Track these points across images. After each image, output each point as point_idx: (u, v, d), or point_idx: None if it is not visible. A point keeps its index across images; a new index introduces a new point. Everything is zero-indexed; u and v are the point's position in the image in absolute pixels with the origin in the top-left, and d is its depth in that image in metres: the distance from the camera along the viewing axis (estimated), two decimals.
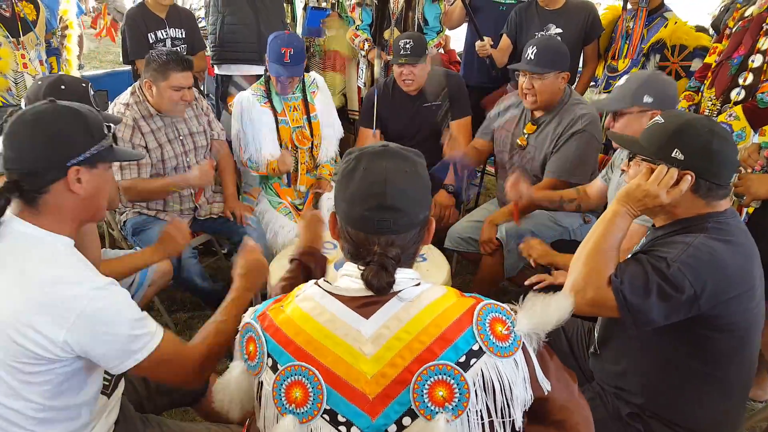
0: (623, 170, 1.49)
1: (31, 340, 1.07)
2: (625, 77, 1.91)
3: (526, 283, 1.97)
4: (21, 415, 1.13)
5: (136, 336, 1.16)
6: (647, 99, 1.79)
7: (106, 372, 1.29)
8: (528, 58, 2.34)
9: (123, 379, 1.41)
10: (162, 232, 1.89)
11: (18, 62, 3.01)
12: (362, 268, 0.97)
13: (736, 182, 1.85)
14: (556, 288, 1.92)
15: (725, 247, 1.27)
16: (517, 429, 0.96)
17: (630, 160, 1.47)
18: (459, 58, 3.88)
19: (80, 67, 3.73)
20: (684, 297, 1.22)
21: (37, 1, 3.15)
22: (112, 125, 1.27)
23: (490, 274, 2.48)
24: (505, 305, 1.00)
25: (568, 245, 2.32)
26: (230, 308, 1.34)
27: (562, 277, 1.91)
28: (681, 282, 1.22)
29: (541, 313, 0.98)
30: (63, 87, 1.74)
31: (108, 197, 1.31)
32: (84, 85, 1.81)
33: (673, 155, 1.30)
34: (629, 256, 1.43)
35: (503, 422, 0.94)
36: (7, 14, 2.99)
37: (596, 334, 1.57)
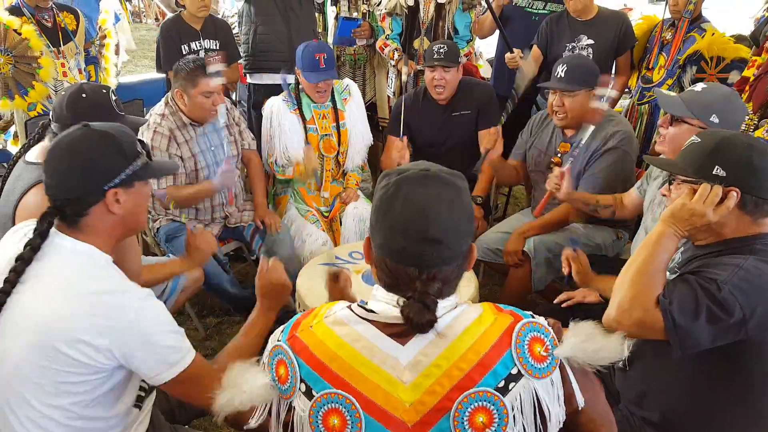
0: (664, 194, 1.46)
1: (77, 349, 1.11)
2: (702, 85, 1.79)
3: (556, 300, 1.95)
4: (55, 423, 1.17)
5: (174, 348, 1.20)
6: (714, 119, 1.71)
7: (142, 382, 1.33)
8: (558, 75, 2.32)
9: (154, 391, 1.44)
10: (187, 243, 1.93)
11: (58, 71, 3.11)
12: (401, 303, 0.94)
13: None
14: (583, 306, 1.91)
15: None
16: None
17: (669, 183, 1.43)
18: (481, 74, 3.86)
19: (117, 73, 3.81)
20: (733, 320, 1.19)
21: (76, 11, 3.25)
22: (145, 141, 1.29)
23: (518, 287, 2.47)
24: (543, 322, 0.98)
25: (600, 260, 2.29)
26: (252, 330, 1.37)
27: (591, 296, 1.89)
28: (731, 305, 1.19)
29: (590, 352, 0.95)
30: (84, 95, 1.78)
31: (146, 212, 1.35)
32: (105, 91, 1.84)
33: (714, 173, 1.28)
34: (673, 276, 1.40)
35: None
36: (49, 24, 3.10)
37: (626, 350, 1.54)
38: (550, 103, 2.39)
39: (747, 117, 2.26)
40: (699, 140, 1.34)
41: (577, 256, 1.91)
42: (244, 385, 0.96)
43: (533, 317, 0.99)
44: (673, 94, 2.14)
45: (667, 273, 1.42)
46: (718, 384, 1.33)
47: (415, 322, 0.92)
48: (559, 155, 2.47)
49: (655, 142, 1.89)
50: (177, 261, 1.95)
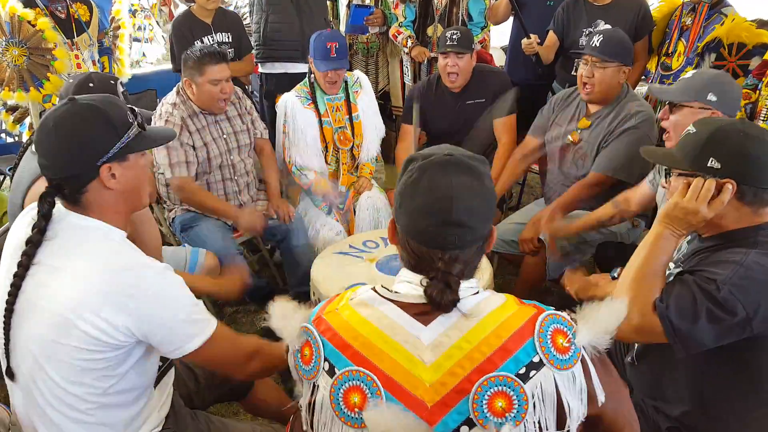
0: (664, 186, 1.43)
1: (95, 325, 1.11)
2: (692, 72, 1.85)
3: (567, 289, 1.93)
4: (81, 400, 1.18)
5: (194, 320, 1.20)
6: (711, 97, 1.72)
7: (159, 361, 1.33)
8: (593, 44, 2.30)
9: (173, 373, 1.45)
10: (229, 270, 1.91)
11: (72, 63, 3.12)
12: (425, 283, 0.96)
13: None
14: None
15: None
16: None
17: (668, 175, 1.40)
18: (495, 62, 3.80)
19: (131, 65, 3.82)
20: (736, 320, 1.17)
21: (90, 2, 3.25)
22: (136, 109, 1.26)
23: (533, 275, 2.45)
24: (566, 315, 0.98)
25: (616, 247, 2.27)
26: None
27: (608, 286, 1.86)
28: (733, 305, 1.17)
29: (599, 322, 0.96)
30: (92, 85, 1.77)
31: (149, 182, 1.31)
32: (113, 81, 1.83)
33: (709, 165, 1.24)
34: (674, 267, 1.37)
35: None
36: (63, 16, 3.11)
37: (635, 345, 1.52)
38: (580, 74, 2.36)
39: None
40: (694, 131, 1.31)
41: (571, 278, 1.88)
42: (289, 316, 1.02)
43: (556, 310, 0.99)
44: (664, 86, 2.12)
45: (671, 264, 1.40)
46: (727, 376, 1.31)
47: (438, 301, 0.94)
48: (578, 131, 2.44)
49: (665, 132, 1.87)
50: (207, 280, 1.94)
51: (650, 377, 1.45)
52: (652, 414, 1.44)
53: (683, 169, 1.30)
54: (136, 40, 6.36)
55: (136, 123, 1.23)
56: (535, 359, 0.93)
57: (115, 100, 1.25)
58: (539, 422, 0.92)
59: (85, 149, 1.16)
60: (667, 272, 1.36)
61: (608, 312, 0.97)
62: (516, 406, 0.91)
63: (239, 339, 1.30)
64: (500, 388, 0.91)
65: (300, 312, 1.04)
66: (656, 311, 1.22)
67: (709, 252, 1.30)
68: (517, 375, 0.92)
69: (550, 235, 2.25)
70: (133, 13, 6.41)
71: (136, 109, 1.27)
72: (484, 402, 0.91)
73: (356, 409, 0.93)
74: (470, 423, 0.91)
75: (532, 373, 0.92)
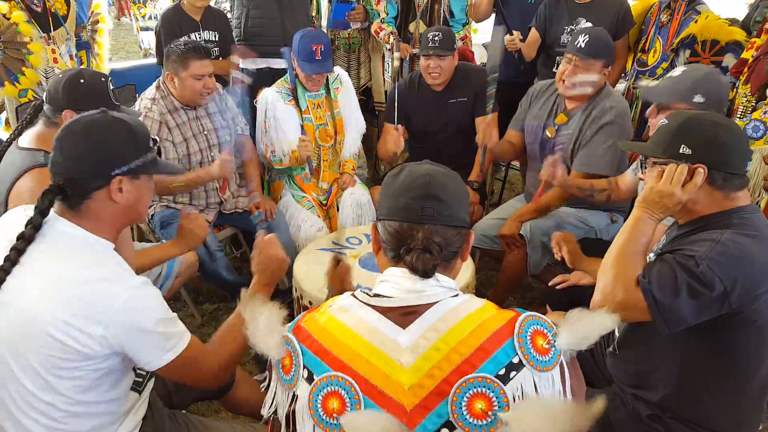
0: (641, 178, 1.48)
1: (70, 336, 1.11)
2: (680, 69, 1.85)
3: (550, 283, 1.96)
4: (54, 408, 1.17)
5: (168, 335, 1.20)
6: (698, 99, 1.74)
7: (138, 369, 1.33)
8: (578, 45, 2.31)
9: (153, 375, 1.43)
10: (179, 226, 1.92)
11: (49, 57, 3.06)
12: (405, 255, 0.99)
13: (766, 175, 1.83)
14: (578, 289, 1.91)
15: (753, 242, 1.25)
16: None
17: (643, 167, 1.46)
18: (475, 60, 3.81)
19: (109, 59, 3.76)
20: (714, 294, 1.21)
21: None
22: (157, 138, 1.31)
23: (514, 271, 2.47)
24: (546, 318, 0.99)
25: (594, 244, 2.29)
26: None
27: (585, 279, 1.90)
28: (711, 279, 1.21)
29: (583, 330, 0.96)
30: (82, 81, 1.75)
31: (147, 205, 1.35)
32: (103, 79, 1.82)
33: (681, 152, 1.31)
34: (654, 257, 1.41)
35: None
36: (39, 9, 3.03)
37: (616, 334, 1.55)
38: (561, 71, 2.37)
39: (745, 99, 2.26)
40: (667, 122, 1.38)
41: (565, 236, 1.93)
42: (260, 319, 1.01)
43: (537, 314, 1.00)
44: (654, 83, 2.15)
45: (652, 255, 1.44)
46: (707, 357, 1.35)
47: (419, 268, 0.97)
48: (555, 126, 2.46)
49: (649, 128, 1.90)
50: (169, 244, 1.93)
51: (632, 365, 1.48)
52: (631, 402, 1.47)
53: (657, 157, 1.36)
54: (147, 29, 6.30)
55: (155, 149, 1.30)
56: (515, 360, 0.93)
57: (143, 124, 1.32)
58: None
59: (105, 156, 1.20)
60: (648, 260, 1.40)
61: (593, 321, 0.97)
62: (496, 407, 0.90)
63: (208, 354, 1.29)
64: (479, 389, 0.90)
65: (282, 324, 1.03)
66: (639, 286, 1.26)
67: (687, 236, 1.35)
68: (497, 376, 0.91)
69: (546, 180, 2.27)
70: (144, 2, 6.36)
71: (157, 139, 1.33)
72: (464, 404, 0.90)
73: (335, 415, 0.92)
74: (450, 426, 0.90)
75: (513, 374, 0.92)
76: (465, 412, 0.90)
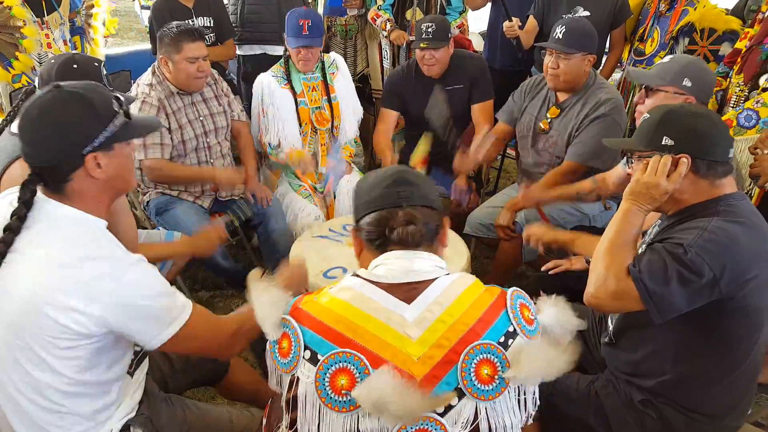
0: (628, 173, 1.50)
1: (68, 316, 1.10)
2: (669, 57, 1.89)
3: (543, 268, 1.97)
4: (51, 389, 1.17)
5: (169, 308, 1.19)
6: (687, 83, 1.77)
7: (135, 347, 1.32)
8: (556, 37, 2.31)
9: (147, 359, 1.44)
10: (202, 228, 1.91)
11: (42, 41, 3.04)
12: (393, 250, 1.05)
13: (752, 163, 1.85)
14: (571, 273, 1.92)
15: (740, 229, 1.27)
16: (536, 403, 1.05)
17: (629, 161, 1.48)
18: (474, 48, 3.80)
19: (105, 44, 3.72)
20: (704, 281, 1.23)
21: None
22: (121, 97, 1.24)
23: (509, 259, 2.48)
24: (525, 293, 1.09)
25: (588, 231, 2.30)
26: None
27: (579, 263, 1.91)
28: (700, 266, 1.23)
29: (532, 368, 0.99)
30: (75, 66, 1.73)
31: (132, 171, 1.30)
32: (96, 64, 1.80)
33: (663, 143, 1.33)
34: (643, 247, 1.42)
35: (529, 398, 1.03)
36: None
37: (611, 325, 1.57)
38: (546, 64, 2.37)
39: (738, 88, 2.26)
40: (648, 116, 1.41)
41: (535, 232, 1.97)
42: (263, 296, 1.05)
43: (519, 289, 1.09)
44: (642, 69, 2.16)
45: (643, 246, 1.46)
46: (700, 343, 1.37)
47: (407, 239, 1.04)
48: (548, 119, 2.47)
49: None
50: (179, 243, 1.92)
51: (627, 353, 1.50)
52: (624, 387, 1.49)
53: (641, 150, 1.39)
54: (147, 8, 6.24)
55: (121, 111, 1.21)
56: (510, 329, 1.01)
57: (100, 88, 1.22)
58: (518, 386, 1.00)
59: (69, 138, 1.15)
60: (639, 250, 1.41)
61: (544, 358, 1.00)
62: (500, 372, 0.97)
63: (219, 320, 1.29)
64: (485, 355, 0.97)
65: (286, 299, 1.05)
66: (630, 276, 1.28)
67: (675, 225, 1.37)
68: (499, 343, 0.98)
69: (533, 205, 2.30)
70: None
71: (121, 96, 1.25)
72: (472, 371, 0.96)
73: (344, 392, 0.94)
74: (459, 392, 0.95)
75: (510, 341, 0.99)
76: (474, 378, 0.96)
